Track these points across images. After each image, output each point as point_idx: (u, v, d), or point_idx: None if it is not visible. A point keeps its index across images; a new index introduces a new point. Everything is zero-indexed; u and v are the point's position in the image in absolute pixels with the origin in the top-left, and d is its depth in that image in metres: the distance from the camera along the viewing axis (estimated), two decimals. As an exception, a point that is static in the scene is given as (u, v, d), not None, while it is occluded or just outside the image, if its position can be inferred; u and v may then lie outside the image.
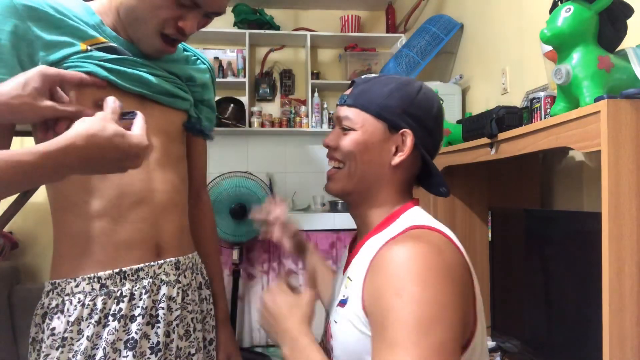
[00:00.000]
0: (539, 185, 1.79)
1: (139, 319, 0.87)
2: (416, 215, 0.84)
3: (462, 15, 2.61)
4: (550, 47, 1.19)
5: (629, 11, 1.06)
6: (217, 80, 3.50)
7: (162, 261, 0.92)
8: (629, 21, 1.08)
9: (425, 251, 0.72)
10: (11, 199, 2.29)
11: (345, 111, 0.87)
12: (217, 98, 3.65)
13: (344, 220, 3.21)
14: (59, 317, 0.84)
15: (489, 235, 1.75)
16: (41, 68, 0.74)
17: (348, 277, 0.85)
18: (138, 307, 0.88)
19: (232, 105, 3.58)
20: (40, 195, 2.48)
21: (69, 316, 0.84)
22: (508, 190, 1.82)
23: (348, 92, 0.89)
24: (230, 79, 3.56)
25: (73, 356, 0.83)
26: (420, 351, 0.65)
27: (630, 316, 0.84)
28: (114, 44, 0.89)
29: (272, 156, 3.77)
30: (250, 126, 3.56)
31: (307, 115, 3.62)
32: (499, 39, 2.20)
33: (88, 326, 0.84)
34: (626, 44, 1.09)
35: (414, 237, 0.77)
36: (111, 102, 0.71)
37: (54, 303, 0.85)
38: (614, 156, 0.85)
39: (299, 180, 3.78)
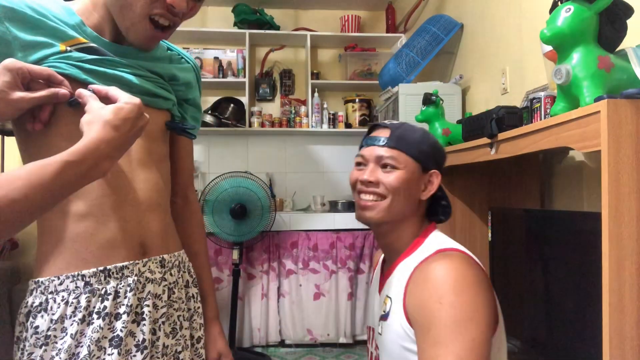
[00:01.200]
0: (539, 185, 1.79)
1: (124, 317, 0.87)
2: (440, 239, 1.02)
3: (462, 15, 2.61)
4: (550, 47, 1.19)
5: (629, 11, 1.06)
6: (217, 80, 3.51)
7: (146, 259, 0.92)
8: (629, 21, 1.08)
9: (457, 266, 0.90)
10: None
11: (389, 152, 1.03)
12: (217, 98, 3.67)
13: (344, 220, 3.21)
14: (42, 316, 0.84)
15: (489, 235, 1.75)
16: (5, 62, 0.74)
17: (387, 296, 1.01)
18: (123, 305, 0.87)
19: (232, 105, 3.58)
20: (40, 195, 2.48)
21: (53, 314, 0.83)
22: (508, 190, 1.82)
23: (382, 134, 1.05)
24: (230, 79, 3.56)
25: (57, 354, 0.82)
26: (458, 345, 0.83)
27: (630, 316, 0.84)
28: (94, 44, 0.89)
29: (272, 156, 3.77)
30: (250, 126, 3.56)
31: (307, 115, 3.62)
32: (499, 39, 2.20)
33: (72, 324, 0.83)
34: (626, 44, 1.09)
35: (446, 256, 0.94)
36: (87, 93, 0.77)
37: (37, 301, 0.85)
38: (614, 156, 0.85)
39: (299, 180, 3.78)
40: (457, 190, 1.83)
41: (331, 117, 3.66)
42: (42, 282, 0.85)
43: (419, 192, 1.04)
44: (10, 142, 2.61)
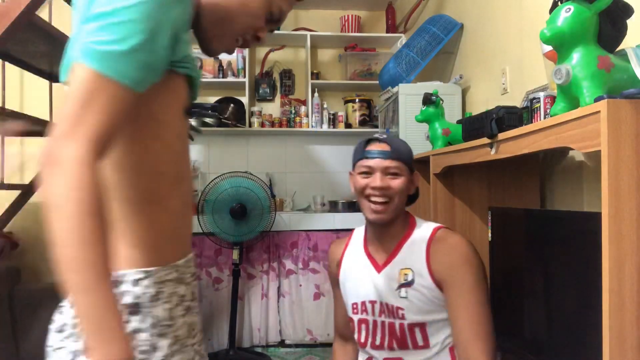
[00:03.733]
0: (539, 185, 1.79)
1: (195, 303, 0.95)
2: (424, 220, 1.41)
3: (462, 15, 2.61)
4: (550, 47, 1.19)
5: (629, 11, 1.07)
6: (217, 80, 3.52)
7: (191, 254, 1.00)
8: (629, 21, 1.08)
9: (465, 239, 1.32)
10: (11, 198, 2.28)
11: (393, 162, 1.32)
12: (217, 98, 3.67)
13: (344, 220, 3.21)
14: (158, 305, 0.83)
15: (489, 235, 1.75)
16: None
17: (407, 268, 1.31)
18: (194, 292, 0.95)
19: (232, 105, 3.58)
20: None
21: (166, 303, 0.84)
22: (508, 190, 1.82)
23: (383, 147, 1.33)
24: (230, 79, 3.56)
25: (173, 343, 0.84)
26: (482, 293, 1.28)
27: (630, 316, 0.84)
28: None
29: (272, 156, 3.77)
30: (250, 126, 3.56)
31: (307, 115, 3.62)
32: (499, 39, 2.20)
33: (179, 312, 0.87)
34: (626, 44, 1.10)
35: (450, 231, 1.36)
36: None
37: (150, 291, 0.83)
38: (614, 156, 0.85)
39: (299, 180, 3.78)
40: (457, 190, 1.83)
41: (331, 117, 3.66)
42: (151, 271, 0.83)
43: (407, 189, 1.35)
44: (10, 142, 2.61)
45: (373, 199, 1.31)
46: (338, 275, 1.48)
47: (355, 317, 1.41)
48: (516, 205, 1.77)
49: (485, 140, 1.39)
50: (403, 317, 1.31)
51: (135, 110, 0.73)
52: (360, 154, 1.36)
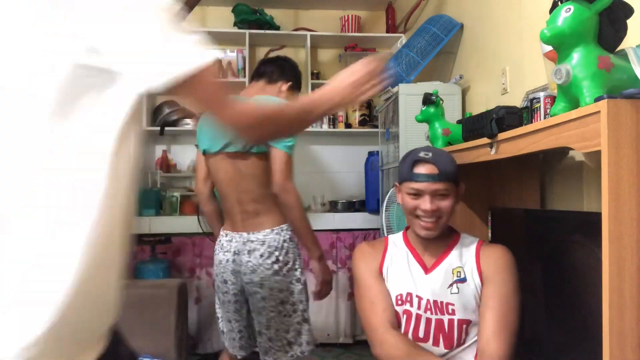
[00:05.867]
0: (539, 185, 1.79)
1: None
2: (470, 235, 1.49)
3: (462, 15, 2.61)
4: (550, 47, 1.19)
5: (629, 11, 1.07)
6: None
7: None
8: (629, 21, 1.08)
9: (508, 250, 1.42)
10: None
11: (442, 185, 1.34)
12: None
13: (344, 220, 3.21)
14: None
15: (489, 235, 1.75)
16: None
17: (459, 267, 1.39)
18: None
19: (232, 105, 3.58)
20: (40, 195, 2.47)
21: None
22: (508, 190, 1.82)
23: (431, 170, 1.33)
24: (230, 79, 3.55)
25: None
26: (516, 297, 1.36)
27: (630, 316, 0.84)
28: None
29: (272, 156, 3.76)
30: (250, 126, 3.55)
31: (307, 115, 3.61)
32: (499, 39, 2.20)
33: None
34: (626, 44, 1.10)
35: (492, 243, 1.50)
36: None
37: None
38: (614, 156, 0.85)
39: (299, 180, 3.73)
40: (457, 190, 1.82)
41: (331, 117, 3.66)
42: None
43: (457, 203, 1.41)
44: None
45: (423, 219, 1.35)
46: (381, 268, 1.43)
47: (400, 309, 1.41)
48: (516, 205, 1.77)
49: (485, 140, 1.39)
50: (453, 313, 1.35)
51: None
52: (407, 175, 1.36)
